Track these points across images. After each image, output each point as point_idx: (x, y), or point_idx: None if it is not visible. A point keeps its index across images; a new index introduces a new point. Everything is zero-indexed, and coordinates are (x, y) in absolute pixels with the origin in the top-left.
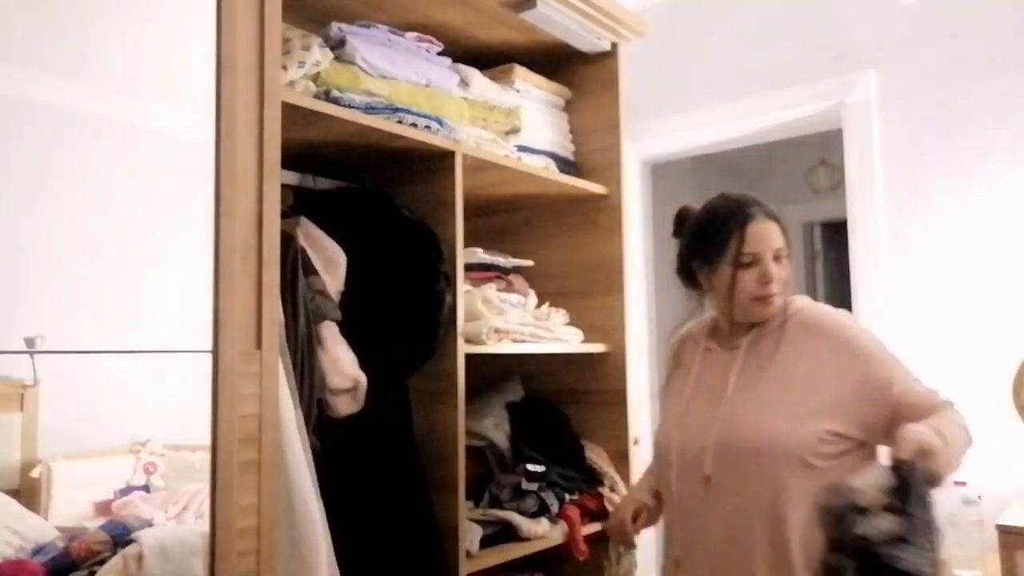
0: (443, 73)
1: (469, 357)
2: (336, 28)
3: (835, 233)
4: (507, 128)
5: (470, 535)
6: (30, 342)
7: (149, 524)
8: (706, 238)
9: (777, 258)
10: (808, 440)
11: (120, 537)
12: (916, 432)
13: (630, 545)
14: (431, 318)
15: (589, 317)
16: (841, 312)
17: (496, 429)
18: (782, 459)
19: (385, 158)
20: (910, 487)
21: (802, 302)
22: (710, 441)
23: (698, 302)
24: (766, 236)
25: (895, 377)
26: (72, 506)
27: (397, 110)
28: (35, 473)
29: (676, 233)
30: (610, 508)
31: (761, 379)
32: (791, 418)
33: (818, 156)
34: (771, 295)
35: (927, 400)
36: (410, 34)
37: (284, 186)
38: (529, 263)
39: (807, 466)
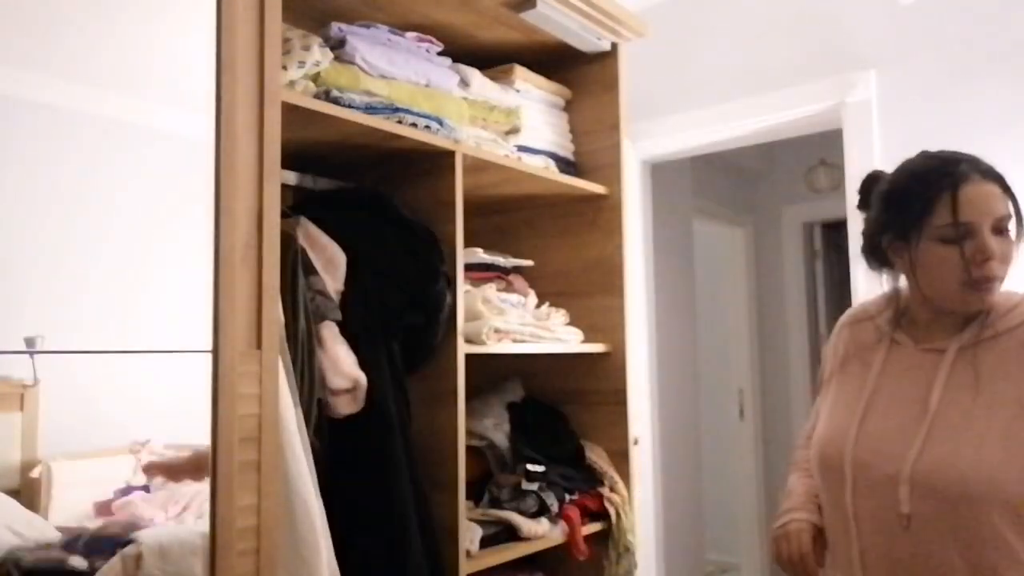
0: (443, 73)
1: (469, 357)
2: (336, 28)
3: (835, 233)
4: (507, 128)
5: (470, 535)
6: (30, 342)
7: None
8: (903, 206)
9: (999, 230)
10: (1015, 512)
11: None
12: None
13: None
14: (431, 318)
15: (589, 317)
16: None
17: (496, 429)
18: (1001, 508)
19: (385, 158)
20: None
21: None
22: (906, 469)
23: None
24: (983, 201)
25: None
26: (72, 506)
27: (397, 110)
28: (35, 473)
29: (862, 204)
30: (610, 508)
31: (979, 400)
32: (1005, 477)
33: (818, 156)
34: (991, 278)
35: None
36: (410, 34)
37: (284, 186)
38: (529, 263)
39: (1009, 545)
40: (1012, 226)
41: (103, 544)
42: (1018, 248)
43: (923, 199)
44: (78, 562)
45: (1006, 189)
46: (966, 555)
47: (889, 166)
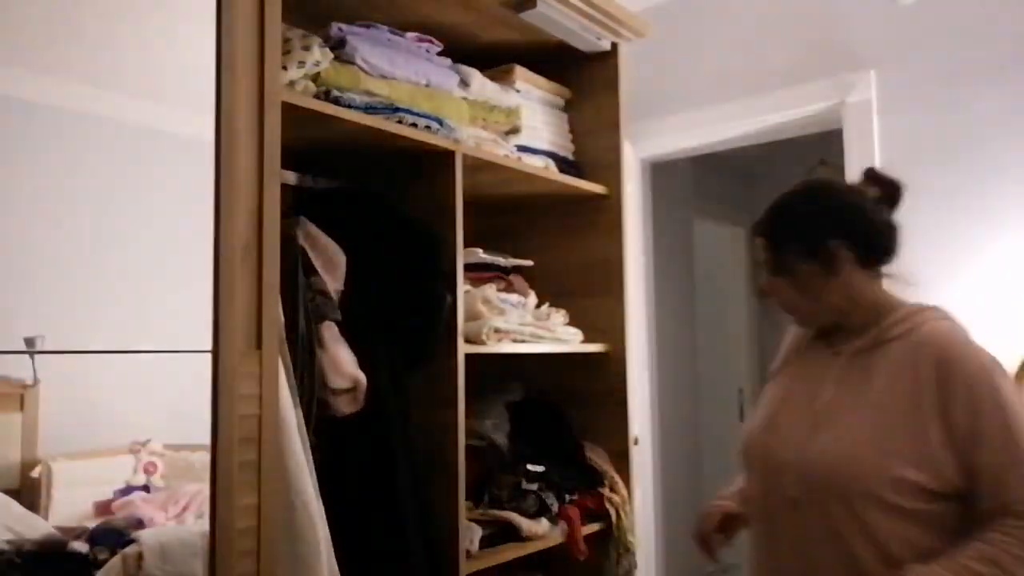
0: (443, 73)
1: (469, 357)
2: (336, 28)
3: None
4: (507, 128)
5: (470, 535)
6: (30, 342)
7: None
8: None
9: (770, 272)
10: (892, 486)
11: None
12: None
13: (712, 558)
14: (431, 318)
15: (589, 317)
16: (975, 357)
17: (496, 429)
18: (863, 494)
19: (385, 158)
20: None
21: (932, 327)
22: (793, 456)
23: None
24: (757, 252)
25: (998, 450)
26: (72, 506)
27: (397, 110)
28: (35, 473)
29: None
30: (610, 508)
31: (861, 398)
32: (878, 458)
33: (818, 156)
34: (783, 309)
35: (1003, 497)
36: (410, 34)
37: (284, 186)
38: (529, 263)
39: (893, 507)
40: (772, 270)
41: (105, 536)
42: (794, 283)
43: None
44: (80, 546)
45: (768, 237)
46: (835, 539)
47: (889, 165)
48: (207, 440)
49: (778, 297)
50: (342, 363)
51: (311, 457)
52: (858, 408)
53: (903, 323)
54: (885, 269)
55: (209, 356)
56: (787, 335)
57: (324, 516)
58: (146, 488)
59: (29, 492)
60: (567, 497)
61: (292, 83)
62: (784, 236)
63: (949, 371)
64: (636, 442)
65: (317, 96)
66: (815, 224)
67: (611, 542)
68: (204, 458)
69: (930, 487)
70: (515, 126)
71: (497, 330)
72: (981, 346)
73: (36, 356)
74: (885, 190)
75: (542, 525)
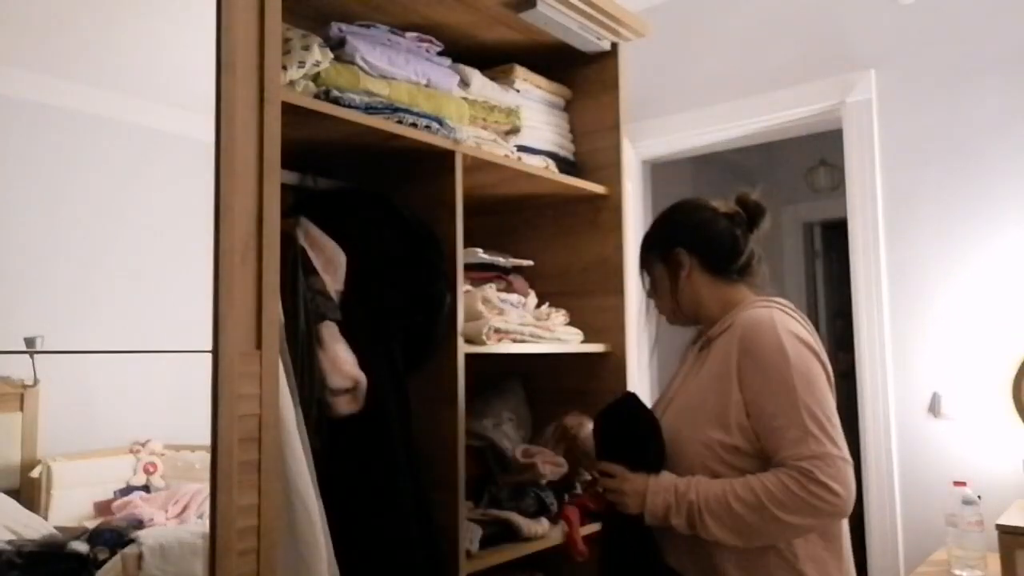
0: (443, 73)
1: (469, 357)
2: (336, 28)
3: (835, 233)
4: (507, 128)
5: (470, 535)
6: (30, 342)
7: (142, 525)
8: None
9: (642, 275)
10: (706, 449)
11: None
12: (656, 492)
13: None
14: (431, 318)
15: (589, 317)
16: (769, 331)
17: (496, 429)
18: (691, 460)
19: (385, 158)
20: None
21: (747, 313)
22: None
23: None
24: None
25: (778, 412)
26: (72, 506)
27: (397, 110)
28: (35, 473)
29: None
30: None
31: (697, 379)
32: (694, 426)
33: (818, 156)
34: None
35: (781, 453)
36: (410, 34)
37: (284, 186)
38: (529, 263)
39: (712, 469)
40: (647, 279)
41: (105, 536)
42: (656, 285)
43: None
44: (79, 546)
45: (645, 249)
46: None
47: (889, 165)
48: (207, 440)
49: (652, 296)
50: (342, 363)
51: (311, 457)
52: (688, 390)
53: (732, 316)
54: (743, 275)
55: (209, 356)
56: None
57: (324, 516)
58: (146, 488)
59: (29, 492)
60: (567, 497)
61: (292, 83)
62: (646, 245)
63: (747, 345)
64: None
65: (317, 96)
66: (664, 235)
67: None
68: (204, 458)
69: (737, 445)
70: (515, 126)
71: (497, 330)
72: (789, 328)
73: (36, 356)
74: (748, 212)
75: (542, 525)
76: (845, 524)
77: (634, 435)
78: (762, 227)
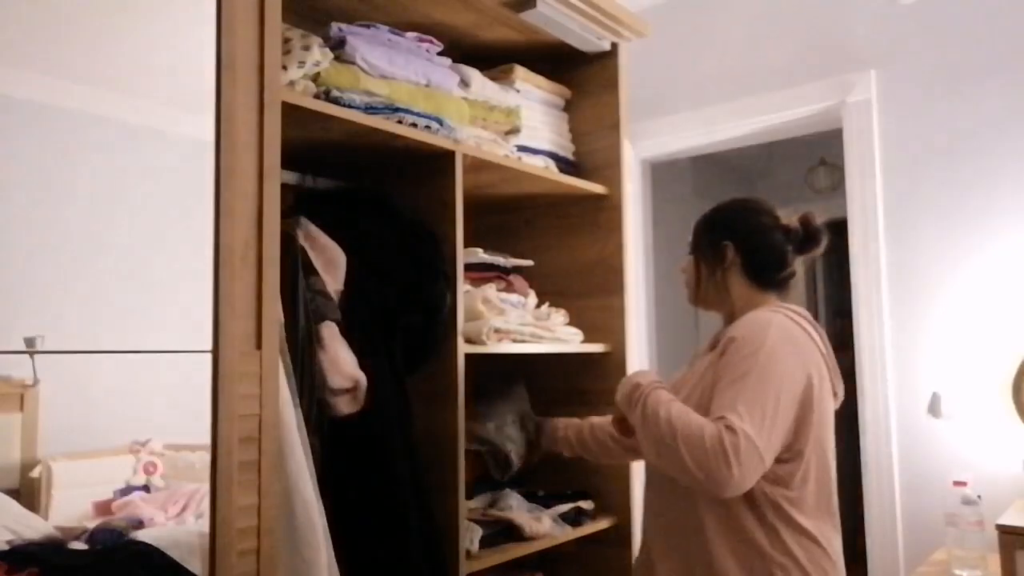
0: (443, 73)
1: (469, 357)
2: (336, 28)
3: (835, 233)
4: (507, 128)
5: (470, 535)
6: (30, 342)
7: (142, 525)
8: None
9: (690, 250)
10: None
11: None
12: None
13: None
14: (431, 318)
15: (589, 317)
16: (758, 329)
17: (498, 432)
18: None
19: (385, 158)
20: None
21: (752, 313)
22: None
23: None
24: None
25: (725, 386)
26: (72, 506)
27: (397, 110)
28: (35, 473)
29: None
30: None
31: (684, 380)
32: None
33: (818, 156)
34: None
35: (711, 413)
36: (410, 34)
37: (284, 186)
38: (529, 263)
39: None
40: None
41: (105, 536)
42: (695, 265)
43: None
44: (79, 546)
45: (699, 230)
46: (677, 501)
47: (889, 165)
48: (207, 440)
49: (686, 272)
50: (342, 363)
51: (311, 457)
52: (686, 384)
53: (725, 333)
54: (777, 288)
55: (209, 356)
56: None
57: (324, 516)
58: (146, 488)
59: (29, 492)
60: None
61: (292, 83)
62: (703, 226)
63: (732, 337)
64: None
65: (317, 96)
66: (723, 224)
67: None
68: (204, 458)
69: None
70: (515, 126)
71: (497, 330)
72: (785, 331)
73: (36, 356)
74: (806, 232)
75: (544, 524)
76: (836, 522)
77: None
78: (813, 252)
